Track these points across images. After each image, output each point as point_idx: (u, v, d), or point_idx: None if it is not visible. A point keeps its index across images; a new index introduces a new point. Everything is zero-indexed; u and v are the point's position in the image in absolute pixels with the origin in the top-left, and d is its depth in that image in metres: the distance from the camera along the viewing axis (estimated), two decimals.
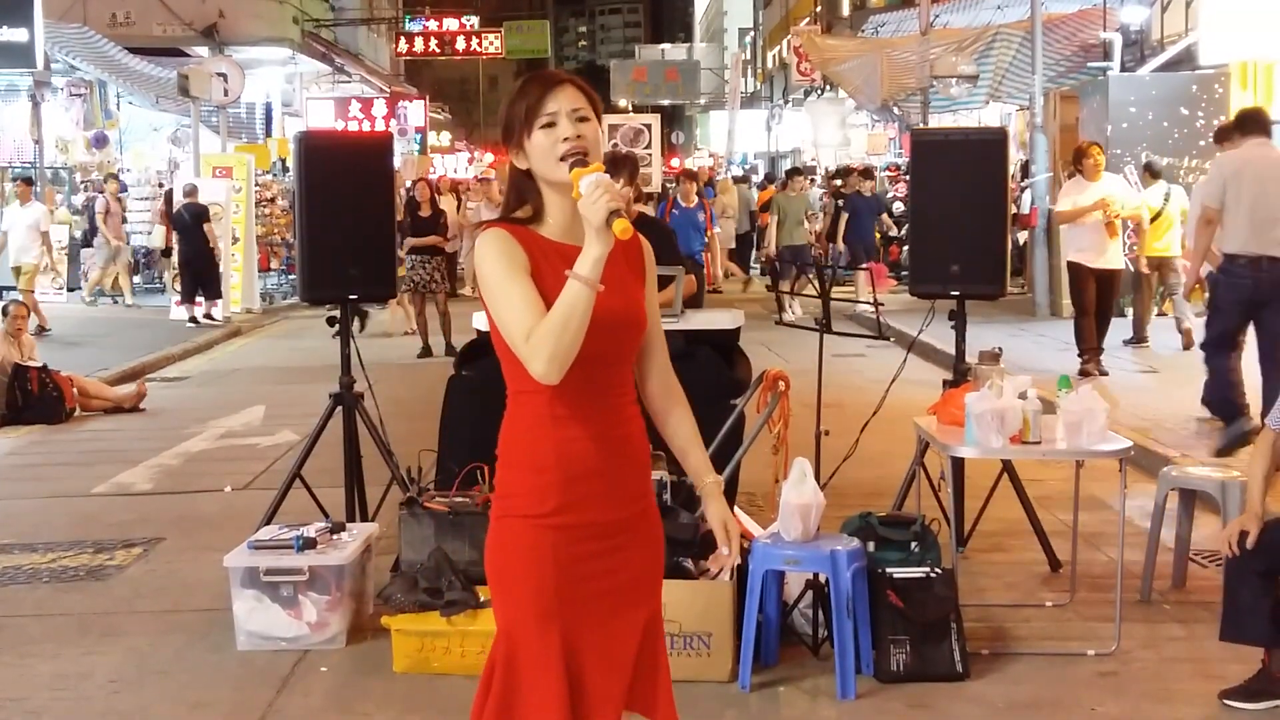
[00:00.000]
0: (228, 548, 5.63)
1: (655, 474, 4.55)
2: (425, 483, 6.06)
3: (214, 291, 17.89)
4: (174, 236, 18.42)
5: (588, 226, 2.65)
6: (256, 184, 20.42)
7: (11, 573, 6.60)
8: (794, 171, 21.12)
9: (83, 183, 22.16)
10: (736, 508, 6.08)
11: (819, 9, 39.92)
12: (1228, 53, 15.51)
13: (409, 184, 17.32)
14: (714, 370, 6.12)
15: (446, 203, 19.33)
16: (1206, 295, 8.16)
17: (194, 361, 15.09)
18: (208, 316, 17.65)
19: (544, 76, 2.87)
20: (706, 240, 12.99)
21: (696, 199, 12.95)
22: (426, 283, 14.66)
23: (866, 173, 21.97)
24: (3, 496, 8.43)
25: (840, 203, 20.10)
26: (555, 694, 2.80)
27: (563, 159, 2.78)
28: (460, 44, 38.39)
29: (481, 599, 5.12)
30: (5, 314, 11.35)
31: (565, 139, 2.78)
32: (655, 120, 18.67)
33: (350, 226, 6.31)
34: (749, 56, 56.30)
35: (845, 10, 38.42)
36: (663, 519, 3.06)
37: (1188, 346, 11.96)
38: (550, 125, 2.80)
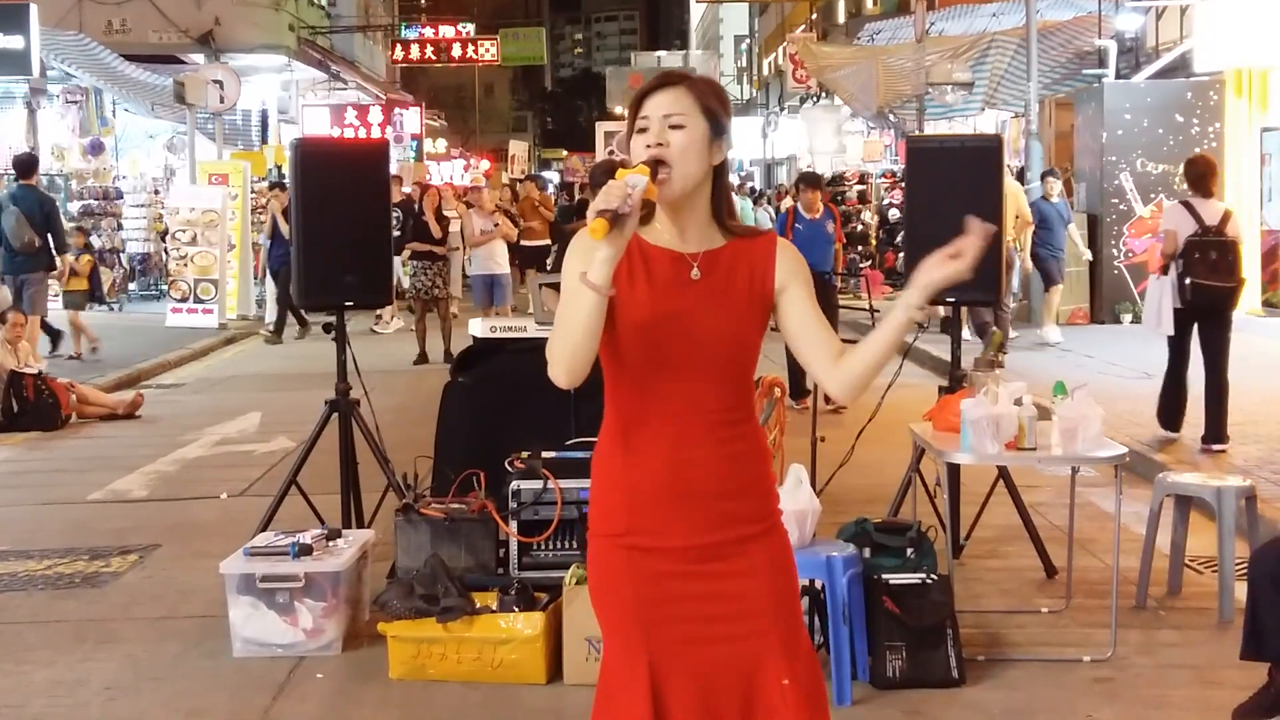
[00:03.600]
0: (224, 554, 5.63)
1: None
2: (421, 489, 6.06)
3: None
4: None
5: None
6: (252, 191, 20.41)
7: (7, 580, 6.59)
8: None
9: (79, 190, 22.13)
10: None
11: (814, 16, 39.98)
12: (1222, 60, 15.56)
13: (404, 190, 17.31)
14: None
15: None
16: None
17: (190, 368, 15.08)
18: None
19: (658, 78, 2.75)
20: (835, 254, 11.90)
21: (823, 208, 12.00)
22: (429, 289, 14.68)
23: (1051, 171, 15.60)
24: None
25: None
26: None
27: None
28: (456, 51, 38.35)
29: (477, 605, 5.12)
30: (3, 321, 11.34)
31: (647, 145, 2.67)
32: None
33: (346, 233, 6.32)
34: (745, 64, 56.33)
35: (841, 17, 38.51)
36: None
37: None
38: (643, 130, 2.70)
